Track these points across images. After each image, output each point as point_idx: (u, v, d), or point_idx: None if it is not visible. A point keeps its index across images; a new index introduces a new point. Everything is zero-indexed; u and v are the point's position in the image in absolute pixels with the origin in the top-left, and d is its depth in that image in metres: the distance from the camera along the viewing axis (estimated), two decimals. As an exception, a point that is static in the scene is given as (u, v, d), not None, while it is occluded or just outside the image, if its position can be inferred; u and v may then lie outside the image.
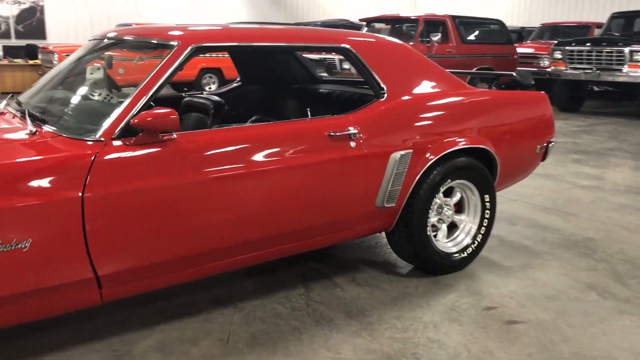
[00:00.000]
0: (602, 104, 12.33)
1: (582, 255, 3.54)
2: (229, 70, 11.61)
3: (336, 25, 12.73)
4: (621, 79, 9.71)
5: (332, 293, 2.95)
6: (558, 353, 2.44)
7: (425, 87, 3.12)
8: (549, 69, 10.88)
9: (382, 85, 2.93)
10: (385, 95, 2.93)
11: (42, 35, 14.31)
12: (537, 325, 2.67)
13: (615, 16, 11.38)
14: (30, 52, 13.05)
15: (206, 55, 11.78)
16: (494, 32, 11.70)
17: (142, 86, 2.30)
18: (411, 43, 10.06)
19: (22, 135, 2.26)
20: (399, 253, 3.20)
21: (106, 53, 3.17)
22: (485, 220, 3.29)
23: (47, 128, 2.29)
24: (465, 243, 3.25)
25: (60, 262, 2.06)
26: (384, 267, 3.31)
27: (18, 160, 2.01)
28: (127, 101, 2.27)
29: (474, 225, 3.28)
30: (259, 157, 2.46)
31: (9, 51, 13.27)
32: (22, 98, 2.87)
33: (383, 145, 2.82)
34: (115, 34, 2.94)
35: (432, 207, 3.07)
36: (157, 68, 2.37)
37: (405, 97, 2.99)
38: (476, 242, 3.27)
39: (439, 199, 3.12)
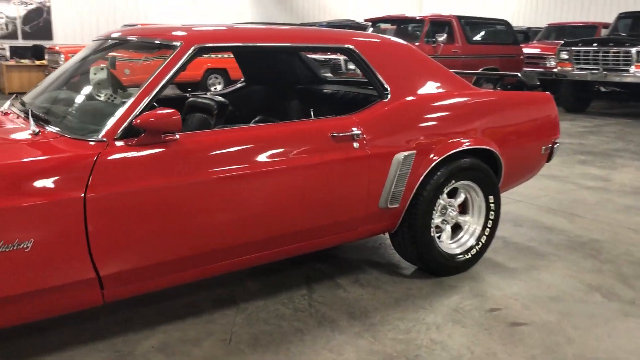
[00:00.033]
0: (608, 105, 12.27)
1: (587, 257, 3.52)
2: (235, 71, 11.63)
3: (341, 26, 12.73)
4: (628, 80, 9.66)
5: (335, 294, 2.94)
6: (562, 355, 2.43)
7: (429, 87, 3.11)
8: (555, 70, 10.83)
9: (386, 85, 2.92)
10: (389, 95, 2.92)
11: (48, 35, 14.37)
12: (542, 327, 2.65)
13: (623, 16, 11.32)
14: (37, 52, 13.11)
15: (211, 55, 11.90)
16: (500, 32, 11.67)
17: (144, 87, 2.30)
18: (417, 43, 10.04)
19: (25, 135, 2.27)
20: (403, 254, 3.19)
21: (110, 54, 3.18)
22: (490, 221, 3.27)
23: (50, 128, 2.30)
24: (469, 244, 3.23)
25: (62, 262, 2.06)
26: (388, 268, 3.30)
27: (20, 160, 2.01)
28: (129, 102, 2.27)
29: (478, 226, 3.26)
30: (261, 157, 2.45)
31: (16, 51, 13.34)
32: (26, 98, 2.87)
33: (386, 146, 2.81)
34: (119, 34, 2.95)
35: (436, 208, 3.06)
36: (160, 68, 2.37)
37: (409, 98, 2.97)
38: (480, 244, 3.25)
39: (443, 200, 3.11)
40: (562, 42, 11.04)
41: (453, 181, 3.07)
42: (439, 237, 3.15)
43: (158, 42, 2.61)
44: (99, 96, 2.76)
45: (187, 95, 3.55)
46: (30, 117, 2.34)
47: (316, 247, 2.84)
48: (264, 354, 2.39)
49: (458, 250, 3.20)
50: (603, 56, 9.89)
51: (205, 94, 3.69)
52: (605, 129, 9.03)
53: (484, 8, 18.61)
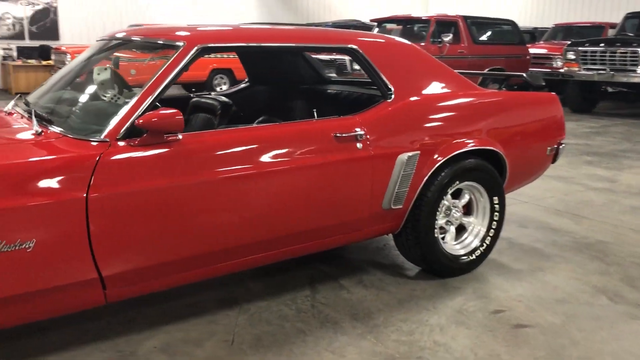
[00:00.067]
0: (615, 105, 12.19)
1: (593, 259, 3.50)
2: (240, 71, 11.62)
3: (347, 26, 12.71)
4: (635, 80, 9.60)
5: (339, 295, 2.93)
6: (567, 357, 2.41)
7: (434, 88, 3.09)
8: (561, 70, 10.78)
9: (390, 86, 2.91)
10: (393, 96, 2.90)
11: (55, 36, 14.42)
12: (546, 329, 2.63)
13: (630, 16, 11.25)
14: (44, 52, 13.18)
15: (217, 56, 11.91)
16: (506, 32, 11.63)
17: (147, 87, 2.30)
18: (422, 44, 10.02)
19: (27, 135, 2.27)
20: (406, 255, 3.17)
21: (115, 54, 3.18)
22: (494, 222, 3.26)
23: (53, 128, 2.30)
24: (473, 245, 3.21)
25: (64, 262, 2.06)
26: (391, 269, 3.28)
27: (22, 160, 2.01)
28: (132, 102, 2.26)
29: (483, 227, 3.24)
30: (264, 157, 2.45)
31: (23, 52, 13.41)
32: (29, 98, 2.88)
33: (390, 147, 2.79)
34: (122, 34, 2.95)
35: (440, 209, 3.04)
36: (163, 69, 2.36)
37: (413, 98, 2.96)
38: (485, 245, 3.23)
39: (447, 200, 3.09)
40: (569, 42, 10.99)
41: (457, 182, 3.05)
42: (443, 238, 3.14)
43: (161, 42, 2.61)
44: (102, 96, 2.76)
45: (191, 95, 3.54)
46: (33, 117, 2.34)
47: (319, 247, 2.83)
48: (266, 354, 2.38)
49: (462, 252, 3.18)
50: (610, 56, 9.83)
51: (209, 94, 3.69)
52: (612, 130, 8.98)
53: (490, 8, 18.54)
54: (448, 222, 3.16)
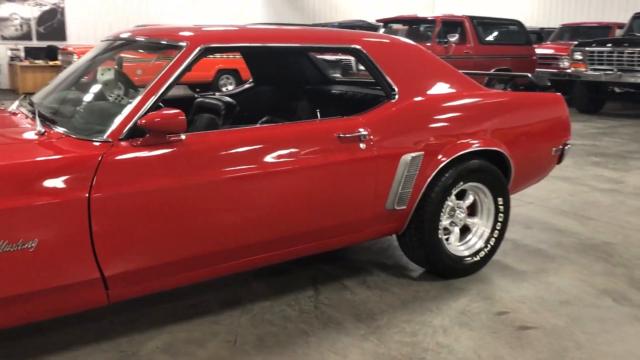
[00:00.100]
0: (623, 106, 12.13)
1: (598, 260, 3.47)
2: (246, 72, 11.64)
3: (353, 26, 12.71)
4: (643, 80, 9.55)
5: (342, 296, 2.93)
6: (570, 359, 2.40)
7: (438, 88, 3.08)
8: (568, 70, 10.72)
9: (394, 86, 2.90)
10: (397, 96, 2.89)
11: (62, 36, 14.49)
12: (550, 331, 2.62)
13: (637, 16, 11.17)
14: (51, 53, 13.24)
15: (223, 56, 11.92)
16: (512, 32, 11.58)
17: (150, 87, 2.30)
18: (428, 44, 10.00)
19: (30, 135, 2.28)
20: (410, 256, 3.16)
21: (120, 54, 3.19)
22: (499, 223, 3.24)
23: (56, 128, 2.30)
24: (477, 247, 3.20)
25: (66, 262, 2.06)
26: (395, 270, 3.27)
27: (25, 160, 2.02)
28: (134, 102, 2.27)
29: (487, 228, 3.23)
30: (266, 158, 2.44)
31: (30, 52, 13.48)
32: (34, 98, 2.89)
33: (394, 147, 2.79)
34: (127, 35, 2.95)
35: (443, 210, 3.03)
36: (166, 69, 2.37)
37: (417, 98, 2.95)
38: (489, 246, 3.22)
39: (451, 201, 3.08)
40: (576, 42, 10.93)
41: (461, 183, 3.04)
42: (447, 239, 3.12)
43: (165, 42, 2.61)
44: (106, 96, 2.76)
45: (195, 95, 3.55)
46: (36, 117, 2.34)
47: (323, 248, 2.82)
48: (269, 355, 2.38)
49: (466, 253, 3.17)
50: (617, 57, 9.77)
51: (214, 94, 3.69)
52: (619, 130, 8.93)
53: (497, 9, 18.48)
54: (452, 223, 3.15)
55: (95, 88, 2.84)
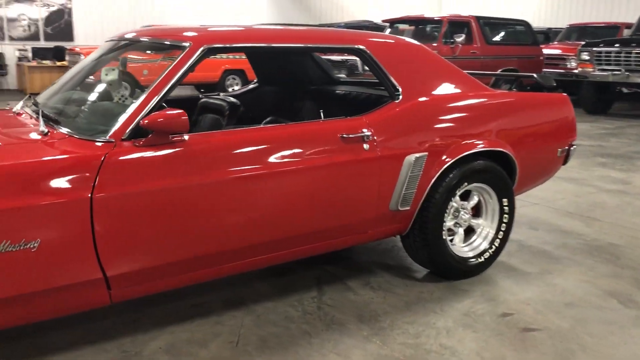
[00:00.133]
0: (630, 107, 12.07)
1: (604, 262, 3.45)
2: (252, 72, 11.67)
3: (359, 27, 12.69)
4: (651, 81, 9.49)
5: (345, 297, 2.92)
6: (575, 362, 2.38)
7: (442, 88, 3.07)
8: (576, 71, 10.67)
9: (397, 86, 2.89)
10: (401, 96, 2.88)
11: (69, 37, 14.55)
12: (555, 333, 2.60)
13: (646, 16, 11.12)
14: (58, 53, 13.31)
15: (229, 56, 11.94)
16: (519, 33, 11.53)
17: (152, 87, 2.30)
18: (435, 44, 9.97)
19: (33, 135, 2.28)
20: (414, 257, 3.15)
21: (125, 55, 3.19)
22: (504, 224, 3.22)
23: (59, 129, 2.31)
24: (482, 248, 3.18)
25: (68, 262, 2.07)
26: (399, 271, 3.26)
27: (28, 160, 2.02)
28: (137, 102, 2.27)
29: (492, 229, 3.21)
30: (269, 158, 2.44)
31: (38, 53, 13.54)
32: (39, 99, 2.90)
33: (397, 148, 2.78)
34: (131, 35, 2.95)
35: (448, 211, 3.01)
36: (169, 69, 2.37)
37: (421, 99, 2.94)
38: (494, 247, 3.20)
39: (455, 202, 3.06)
40: (583, 42, 10.87)
41: (466, 183, 3.02)
42: (451, 240, 3.11)
43: (168, 42, 2.61)
44: (111, 97, 2.77)
45: (200, 96, 3.55)
46: (40, 117, 2.35)
47: (326, 249, 2.81)
48: (271, 356, 2.37)
49: (470, 254, 3.15)
50: (625, 57, 9.71)
51: (218, 94, 3.69)
52: (626, 131, 8.87)
53: (504, 9, 18.41)
54: (456, 224, 3.13)
55: (99, 88, 2.84)
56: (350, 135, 2.65)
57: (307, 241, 2.68)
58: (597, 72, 10.14)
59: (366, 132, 2.70)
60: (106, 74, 2.87)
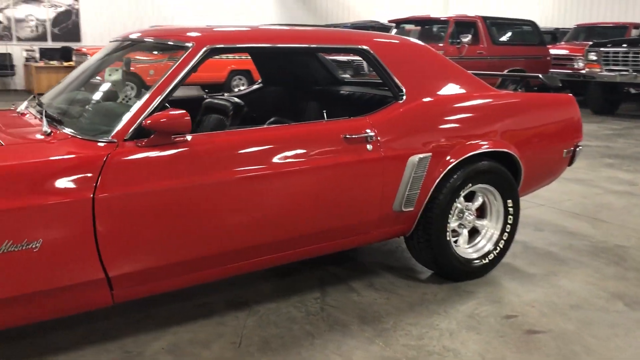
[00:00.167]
0: (638, 107, 11.98)
1: (611, 263, 3.42)
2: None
3: (365, 27, 12.67)
4: (659, 81, 9.43)
5: (348, 298, 2.91)
6: (579, 365, 2.36)
7: (447, 89, 3.05)
8: (583, 71, 10.62)
9: (401, 86, 2.88)
10: (404, 97, 2.87)
11: (77, 37, 14.60)
12: (559, 335, 2.58)
13: (654, 16, 11.05)
14: (65, 54, 13.37)
15: (235, 57, 11.95)
16: (526, 33, 11.49)
17: (155, 88, 2.30)
18: (441, 44, 9.94)
19: (36, 136, 2.29)
20: (418, 258, 3.14)
21: (129, 55, 3.20)
22: (508, 226, 3.20)
23: (62, 129, 2.31)
24: (486, 249, 3.16)
25: (70, 262, 2.07)
26: (403, 272, 3.25)
27: (30, 160, 2.02)
28: (140, 103, 2.27)
29: (496, 231, 3.19)
30: (272, 159, 2.43)
31: (45, 53, 13.60)
32: (43, 99, 2.90)
33: (401, 148, 2.76)
34: (135, 35, 2.95)
35: (452, 212, 3.00)
36: (171, 69, 2.36)
37: (425, 99, 2.92)
38: (498, 249, 3.18)
39: (459, 203, 3.05)
40: (591, 42, 10.82)
41: (470, 184, 3.00)
42: (455, 242, 3.09)
43: (171, 43, 2.61)
44: (115, 97, 2.77)
45: (204, 96, 3.55)
46: (43, 117, 2.36)
47: (329, 249, 2.80)
48: (273, 357, 2.37)
49: (475, 255, 3.14)
50: (633, 57, 9.65)
51: (223, 95, 3.69)
52: (634, 132, 8.81)
53: (512, 9, 18.34)
54: (461, 225, 3.12)
55: (103, 89, 2.85)
56: (354, 136, 2.64)
57: (310, 242, 2.68)
58: (605, 73, 10.09)
59: (369, 132, 2.69)
60: (110, 74, 2.87)
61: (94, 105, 2.75)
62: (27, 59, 13.77)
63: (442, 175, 2.87)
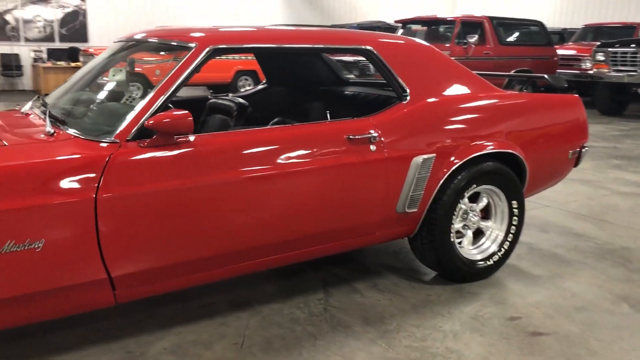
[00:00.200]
0: (647, 108, 11.91)
1: (616, 265, 3.40)
2: (264, 73, 11.68)
3: (372, 27, 12.65)
4: (667, 82, 9.37)
5: (352, 299, 2.90)
6: (584, 368, 2.34)
7: (451, 89, 3.04)
8: (591, 72, 10.56)
9: (405, 87, 2.87)
10: (408, 97, 2.86)
11: (84, 38, 14.68)
12: (563, 337, 2.56)
13: (663, 16, 10.97)
14: (73, 54, 13.43)
15: (242, 57, 11.96)
16: (533, 33, 11.43)
17: (158, 88, 2.30)
18: (448, 45, 9.92)
19: (39, 136, 2.29)
20: (422, 259, 3.12)
21: (131, 55, 3.20)
22: (513, 227, 3.18)
23: (66, 129, 2.31)
24: (491, 251, 3.15)
25: (72, 262, 2.07)
26: (407, 273, 3.24)
27: (32, 161, 2.03)
28: (142, 103, 2.27)
29: (501, 232, 3.17)
30: (275, 159, 2.43)
31: (53, 54, 13.68)
32: (47, 99, 2.91)
33: (404, 149, 2.75)
34: (139, 36, 2.96)
35: (456, 213, 2.98)
36: (174, 70, 2.36)
37: (429, 100, 2.91)
38: (503, 250, 3.16)
39: (464, 204, 3.03)
40: (598, 43, 10.76)
41: (474, 185, 2.99)
42: (459, 243, 3.08)
43: (174, 43, 2.61)
44: (116, 97, 2.78)
45: (209, 96, 3.55)
46: (47, 118, 2.36)
47: (332, 250, 2.79)
48: (276, 358, 2.36)
49: (479, 257, 3.12)
50: (641, 58, 9.60)
51: (227, 95, 3.69)
52: (642, 133, 8.76)
53: (519, 9, 18.27)
54: (465, 226, 3.10)
55: (106, 89, 2.85)
56: (357, 137, 2.63)
57: (313, 243, 2.67)
58: (613, 73, 10.03)
59: (373, 133, 2.68)
60: (114, 75, 2.87)
61: (97, 106, 2.75)
62: (35, 60, 13.86)
63: (446, 176, 2.86)
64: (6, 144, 2.21)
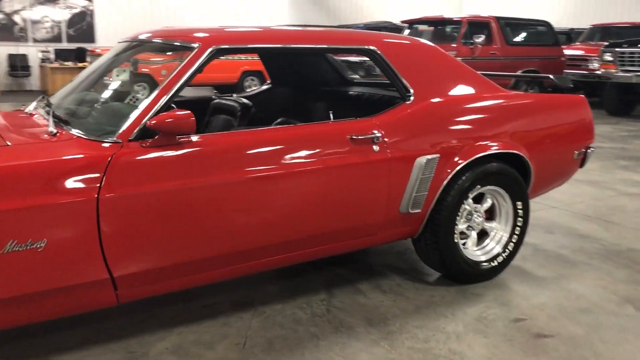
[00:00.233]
0: (655, 108, 11.82)
1: (622, 267, 3.37)
2: (270, 73, 11.69)
3: (378, 28, 12.63)
4: (675, 82, 9.30)
5: (355, 300, 2.89)
6: (588, 370, 2.32)
7: (455, 89, 3.02)
8: (598, 72, 10.50)
9: (409, 87, 2.86)
10: (412, 97, 2.85)
11: (91, 38, 14.75)
12: (568, 339, 2.54)
13: (671, 16, 10.89)
14: (80, 55, 13.50)
15: (248, 58, 11.98)
16: (540, 33, 11.37)
17: (160, 88, 2.30)
18: (454, 45, 9.88)
19: (42, 136, 2.30)
20: (426, 260, 3.11)
21: (135, 55, 3.20)
22: (518, 228, 3.16)
23: (69, 129, 2.32)
24: (495, 252, 3.13)
25: (75, 262, 2.07)
26: (411, 274, 3.22)
27: (35, 161, 2.03)
28: (145, 103, 2.27)
29: (505, 233, 3.15)
30: (278, 160, 2.42)
31: (60, 54, 13.75)
32: (52, 99, 2.92)
33: (408, 150, 2.74)
34: (144, 36, 2.96)
35: (460, 214, 2.97)
36: (177, 70, 2.36)
37: (433, 100, 2.90)
38: (507, 251, 3.14)
39: (468, 205, 3.02)
40: (606, 43, 10.69)
41: (479, 186, 2.97)
42: (463, 244, 3.06)
43: (178, 43, 2.61)
44: (120, 97, 2.78)
45: (212, 97, 3.55)
46: (50, 118, 2.37)
47: (335, 251, 2.79)
48: (278, 359, 2.35)
49: (483, 258, 3.10)
50: (649, 58, 9.53)
51: (231, 95, 3.69)
52: (650, 133, 8.70)
53: (526, 9, 18.20)
54: (469, 227, 3.09)
55: (109, 89, 2.85)
56: (360, 137, 2.62)
57: (316, 243, 2.66)
58: (620, 74, 9.97)
59: (376, 133, 2.67)
60: (117, 75, 2.88)
61: (100, 106, 2.76)
62: (43, 60, 13.94)
63: (450, 176, 2.84)
64: (9, 143, 2.21)
